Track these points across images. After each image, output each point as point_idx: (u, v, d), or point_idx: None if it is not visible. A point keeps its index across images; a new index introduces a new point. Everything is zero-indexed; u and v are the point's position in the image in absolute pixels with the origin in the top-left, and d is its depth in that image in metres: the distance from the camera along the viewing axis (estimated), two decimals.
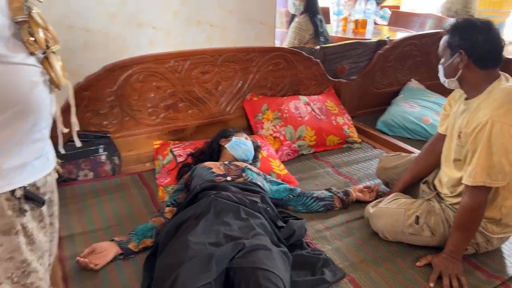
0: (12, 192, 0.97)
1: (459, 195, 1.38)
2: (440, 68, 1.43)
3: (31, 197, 1.02)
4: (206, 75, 2.06)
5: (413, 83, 2.72)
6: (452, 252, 1.33)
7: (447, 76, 1.40)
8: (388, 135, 2.41)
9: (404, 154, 1.81)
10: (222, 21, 2.07)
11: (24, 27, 0.94)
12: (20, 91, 0.95)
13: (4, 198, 0.96)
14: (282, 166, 1.94)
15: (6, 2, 0.90)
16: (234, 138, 1.77)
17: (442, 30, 1.45)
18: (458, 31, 1.34)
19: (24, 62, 0.96)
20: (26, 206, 1.00)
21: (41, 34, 0.98)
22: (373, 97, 2.69)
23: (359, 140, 2.30)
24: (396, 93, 2.73)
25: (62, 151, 1.24)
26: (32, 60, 0.98)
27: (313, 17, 2.74)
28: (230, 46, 2.12)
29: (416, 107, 2.48)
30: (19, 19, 0.92)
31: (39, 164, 1.05)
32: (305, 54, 2.34)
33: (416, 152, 1.90)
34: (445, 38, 1.39)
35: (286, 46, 2.77)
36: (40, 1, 1.03)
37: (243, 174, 1.57)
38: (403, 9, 6.16)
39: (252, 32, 2.19)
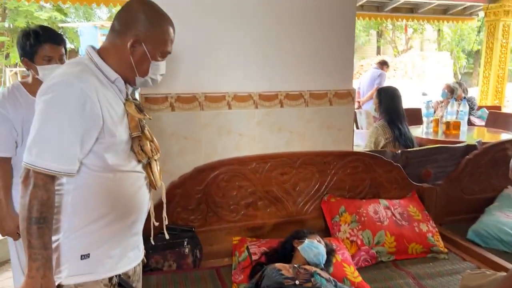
0: (110, 279, 1.15)
1: None
2: None
3: (123, 284, 1.20)
4: (284, 176, 2.20)
5: (510, 190, 2.52)
6: None
7: None
8: (480, 246, 2.21)
9: (489, 272, 1.65)
10: (301, 128, 2.25)
11: (136, 140, 1.19)
12: (127, 194, 1.17)
13: (103, 284, 1.14)
14: (356, 273, 1.88)
15: (128, 122, 1.18)
16: (307, 241, 1.81)
17: None
18: None
19: (133, 170, 1.20)
20: None
21: (148, 146, 1.23)
22: (463, 203, 2.53)
23: (446, 250, 2.15)
24: (491, 200, 2.53)
25: (153, 242, 1.44)
26: (139, 167, 1.23)
27: (391, 124, 2.83)
28: (308, 150, 2.27)
29: None
30: (135, 135, 1.19)
31: (133, 255, 1.24)
32: (384, 158, 2.38)
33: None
34: None
35: (363, 149, 2.85)
36: (149, 119, 1.31)
37: (312, 279, 1.58)
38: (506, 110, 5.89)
39: (330, 138, 2.32)
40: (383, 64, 6.12)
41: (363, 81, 6.22)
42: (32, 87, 1.83)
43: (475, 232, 2.29)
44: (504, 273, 1.57)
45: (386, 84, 5.61)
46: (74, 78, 1.05)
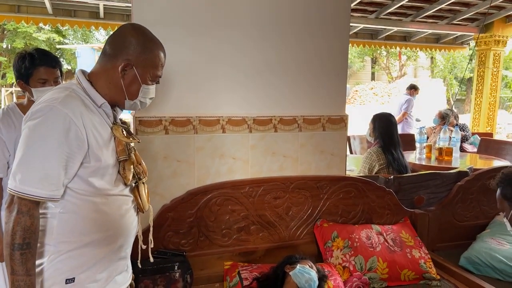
0: None
1: None
2: (506, 222, 1.45)
3: None
4: (277, 200, 2.20)
5: (501, 217, 2.52)
6: None
7: None
8: (473, 273, 2.20)
9: None
10: (295, 153, 2.27)
11: (123, 163, 1.20)
12: (114, 218, 1.17)
13: None
14: None
15: (115, 146, 1.19)
16: (298, 266, 1.79)
17: None
18: (508, 181, 1.36)
19: (121, 193, 1.20)
20: None
21: (134, 170, 1.24)
22: (455, 230, 2.53)
23: (438, 277, 2.13)
24: (482, 227, 2.55)
25: (140, 266, 1.42)
26: (126, 190, 1.23)
27: (385, 150, 2.88)
28: (301, 174, 2.28)
29: (505, 245, 2.27)
30: (122, 159, 1.19)
31: (120, 279, 1.22)
32: (376, 183, 2.39)
33: None
34: (498, 191, 1.41)
35: (357, 174, 2.88)
36: (138, 142, 1.32)
37: None
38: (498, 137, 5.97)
39: (323, 162, 2.34)
40: (411, 89, 6.31)
41: (393, 106, 6.50)
42: (27, 108, 1.84)
43: (467, 259, 2.29)
44: None
45: (414, 108, 5.91)
46: (58, 103, 1.05)
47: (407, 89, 6.47)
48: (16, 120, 1.83)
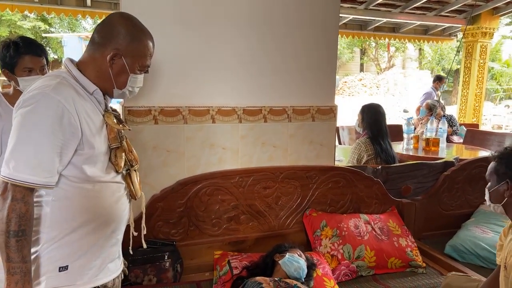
0: None
1: None
2: (486, 192, 1.47)
3: None
4: (267, 190, 2.22)
5: (486, 207, 2.59)
6: None
7: (492, 201, 1.44)
8: (458, 261, 2.25)
9: (474, 277, 1.69)
10: (284, 143, 2.28)
11: (114, 151, 1.20)
12: (106, 205, 1.17)
13: None
14: (337, 287, 1.90)
15: (107, 133, 1.19)
16: (288, 255, 1.82)
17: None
18: (505, 160, 1.37)
19: (112, 180, 1.20)
20: None
21: (126, 157, 1.24)
22: (441, 219, 2.59)
23: (424, 265, 2.18)
24: (467, 216, 2.60)
25: (131, 252, 1.43)
26: (118, 177, 1.23)
27: (373, 140, 2.89)
28: (291, 164, 2.30)
29: (489, 233, 2.32)
30: (114, 146, 1.19)
31: (112, 266, 1.23)
32: (365, 173, 2.42)
33: None
34: (492, 164, 1.44)
35: (345, 164, 2.91)
36: (129, 129, 1.32)
37: None
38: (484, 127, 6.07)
39: (313, 153, 2.36)
40: (435, 81, 6.33)
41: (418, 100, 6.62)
42: (13, 98, 1.82)
43: (452, 247, 2.34)
44: None
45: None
46: (51, 90, 1.05)
47: (433, 81, 6.51)
48: (2, 109, 1.80)
